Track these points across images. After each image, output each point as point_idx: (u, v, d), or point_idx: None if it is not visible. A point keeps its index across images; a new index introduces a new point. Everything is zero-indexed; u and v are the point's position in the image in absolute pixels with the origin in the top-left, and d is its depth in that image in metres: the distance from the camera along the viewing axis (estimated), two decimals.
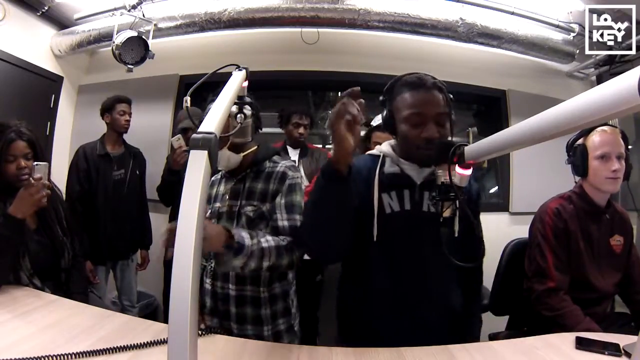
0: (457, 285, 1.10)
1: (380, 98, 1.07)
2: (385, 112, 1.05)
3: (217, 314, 1.18)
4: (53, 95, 2.85)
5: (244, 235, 0.98)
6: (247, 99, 1.12)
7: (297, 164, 2.18)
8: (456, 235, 0.95)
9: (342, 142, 0.80)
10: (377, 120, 1.99)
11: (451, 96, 1.02)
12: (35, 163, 1.23)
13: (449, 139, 1.00)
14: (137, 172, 2.30)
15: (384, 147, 1.10)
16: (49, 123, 2.82)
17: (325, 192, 0.86)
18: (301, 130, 2.23)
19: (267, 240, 1.03)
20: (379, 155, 1.08)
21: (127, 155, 2.26)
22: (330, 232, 0.90)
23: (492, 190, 3.02)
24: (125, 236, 2.22)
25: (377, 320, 1.03)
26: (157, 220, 2.43)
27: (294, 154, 2.25)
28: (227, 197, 1.21)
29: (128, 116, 2.22)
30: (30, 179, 1.19)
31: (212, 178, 1.31)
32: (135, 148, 2.34)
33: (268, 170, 1.20)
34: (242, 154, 1.17)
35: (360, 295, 1.06)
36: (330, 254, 1.03)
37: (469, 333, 1.05)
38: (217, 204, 1.23)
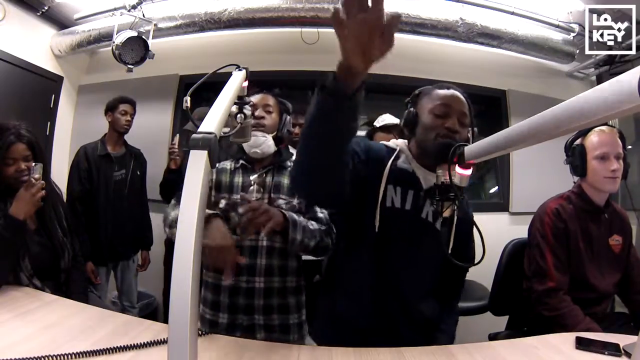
0: (435, 293, 1.11)
1: (407, 100, 1.11)
2: (409, 112, 1.07)
3: (237, 310, 1.17)
4: (53, 95, 2.85)
5: (293, 214, 1.09)
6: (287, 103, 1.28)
7: None
8: (449, 251, 0.97)
9: (358, 41, 0.58)
10: (380, 122, 1.99)
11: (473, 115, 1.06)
12: (34, 163, 1.23)
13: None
14: (138, 172, 2.30)
15: (401, 143, 1.10)
16: (49, 123, 2.82)
17: (325, 113, 0.67)
18: (297, 130, 2.21)
19: (312, 224, 1.13)
20: (394, 148, 1.08)
21: (128, 156, 2.26)
22: (324, 166, 0.76)
23: (492, 190, 3.02)
24: (126, 237, 2.22)
25: (350, 315, 1.04)
26: (159, 221, 2.43)
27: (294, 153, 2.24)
28: (257, 190, 1.21)
29: (129, 117, 2.22)
30: (31, 179, 1.19)
31: (219, 165, 1.30)
32: (136, 149, 2.34)
33: None
34: (275, 148, 1.25)
35: (343, 286, 1.07)
36: (320, 193, 0.89)
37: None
38: (237, 196, 1.21)
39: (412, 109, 1.07)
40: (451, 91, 1.04)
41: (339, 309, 1.06)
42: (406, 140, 1.11)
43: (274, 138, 1.25)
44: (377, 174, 1.02)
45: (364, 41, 0.57)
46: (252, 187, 1.22)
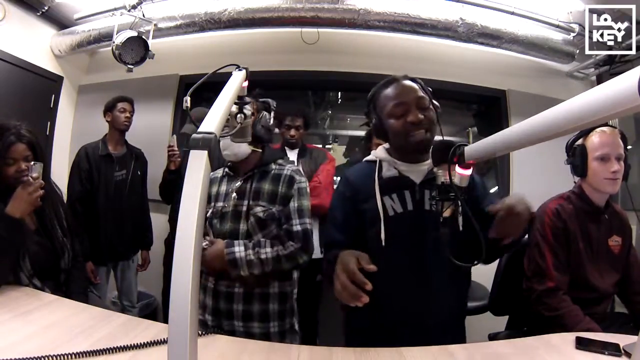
0: (462, 282, 1.11)
1: (365, 110, 1.11)
2: (373, 121, 1.08)
3: (220, 313, 1.18)
4: (53, 95, 2.85)
5: (235, 250, 1.11)
6: (270, 101, 1.26)
7: (296, 164, 2.18)
8: (460, 229, 0.96)
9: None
10: None
11: (430, 88, 1.06)
12: (32, 162, 1.22)
13: (441, 136, 1.01)
14: (139, 172, 2.30)
15: (379, 152, 1.11)
16: (49, 123, 2.82)
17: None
18: (292, 132, 2.20)
19: (266, 252, 1.13)
20: (375, 161, 1.09)
21: (129, 156, 2.27)
22: None
23: (492, 190, 3.02)
24: (126, 237, 2.23)
25: (384, 322, 1.03)
26: (159, 221, 2.44)
27: (292, 155, 2.23)
28: (234, 197, 1.21)
29: (129, 114, 2.22)
30: (29, 177, 1.19)
31: (211, 175, 1.31)
32: (137, 149, 2.34)
33: (275, 172, 1.24)
34: (251, 148, 1.22)
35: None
36: None
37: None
38: (220, 204, 1.23)
39: (374, 119, 1.07)
40: (398, 84, 1.04)
41: (367, 318, 1.04)
42: (385, 145, 1.11)
43: (252, 139, 1.21)
44: (369, 194, 1.03)
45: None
46: (229, 195, 1.22)
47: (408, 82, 1.04)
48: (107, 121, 2.22)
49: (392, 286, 1.01)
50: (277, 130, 2.33)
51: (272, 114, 1.30)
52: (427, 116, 1.00)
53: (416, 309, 1.01)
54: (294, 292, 1.27)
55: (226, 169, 1.28)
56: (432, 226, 0.99)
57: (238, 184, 1.23)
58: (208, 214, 1.24)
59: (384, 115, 1.04)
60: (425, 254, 1.01)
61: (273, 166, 1.25)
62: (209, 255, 1.13)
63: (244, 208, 1.19)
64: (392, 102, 1.01)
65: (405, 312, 1.01)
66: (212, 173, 1.32)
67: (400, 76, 1.06)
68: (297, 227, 1.18)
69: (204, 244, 1.20)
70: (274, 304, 1.19)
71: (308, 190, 1.26)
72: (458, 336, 1.07)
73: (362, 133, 2.37)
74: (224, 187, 1.26)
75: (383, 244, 0.98)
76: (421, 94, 1.02)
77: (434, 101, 1.04)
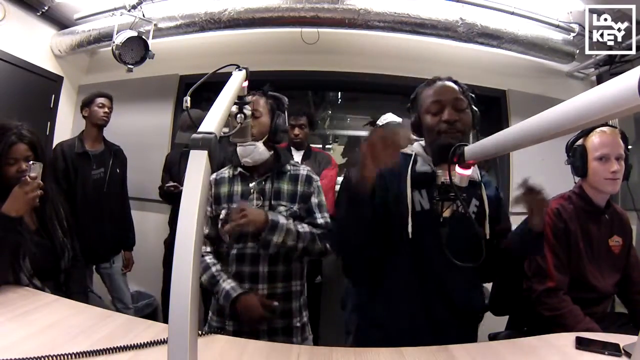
0: (479, 285, 1.12)
1: (408, 105, 1.14)
2: (413, 117, 1.10)
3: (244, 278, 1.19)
4: (53, 95, 2.85)
5: (279, 216, 1.13)
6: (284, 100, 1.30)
7: None
8: (487, 237, 0.98)
9: (366, 166, 0.81)
10: (383, 121, 2.00)
11: (472, 95, 1.08)
12: (31, 162, 1.22)
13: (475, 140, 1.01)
14: (118, 170, 2.21)
15: (416, 146, 1.11)
16: (49, 123, 2.82)
17: (355, 204, 0.89)
18: (296, 131, 2.21)
19: (303, 227, 1.17)
20: (410, 154, 1.09)
21: (107, 153, 2.18)
22: (361, 236, 0.92)
23: None
24: (106, 238, 2.14)
25: (396, 319, 1.03)
26: (159, 221, 2.43)
27: (297, 156, 2.23)
28: (253, 198, 1.22)
29: (107, 109, 2.15)
30: (27, 177, 1.19)
31: (214, 176, 1.30)
32: (116, 145, 2.25)
33: (292, 172, 1.27)
34: (270, 152, 1.25)
35: (383, 293, 1.05)
36: (356, 255, 1.02)
37: None
38: (236, 205, 1.22)
39: (414, 113, 1.09)
40: (439, 84, 1.06)
41: (384, 314, 1.04)
42: (421, 142, 1.12)
43: (268, 141, 1.25)
44: (400, 184, 1.03)
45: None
46: (251, 195, 1.22)
47: (449, 83, 1.06)
48: (84, 117, 2.14)
49: (409, 280, 1.01)
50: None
51: (286, 112, 1.32)
52: (463, 118, 1.01)
53: (423, 308, 1.01)
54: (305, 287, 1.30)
55: (240, 169, 1.26)
56: (454, 227, 0.99)
57: (255, 184, 1.23)
58: (222, 216, 1.22)
59: (422, 111, 1.06)
60: (444, 253, 1.00)
61: (288, 167, 1.28)
62: (250, 211, 1.11)
63: (266, 208, 1.20)
64: (430, 99, 1.04)
65: (413, 309, 1.01)
66: (217, 173, 1.32)
67: (444, 77, 1.09)
68: (321, 220, 1.23)
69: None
70: (296, 300, 1.23)
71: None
72: (468, 336, 1.07)
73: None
74: (237, 188, 1.25)
75: (410, 237, 0.98)
76: (459, 95, 1.04)
77: (474, 107, 1.06)
